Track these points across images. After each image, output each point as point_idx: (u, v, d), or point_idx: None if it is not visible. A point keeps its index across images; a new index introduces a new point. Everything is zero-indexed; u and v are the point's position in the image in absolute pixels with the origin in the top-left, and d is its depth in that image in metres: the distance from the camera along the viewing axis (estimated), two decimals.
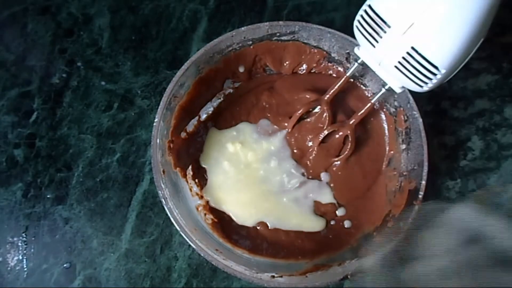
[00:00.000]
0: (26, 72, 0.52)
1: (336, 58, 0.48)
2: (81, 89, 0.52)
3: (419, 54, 0.33)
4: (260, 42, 0.47)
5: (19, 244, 0.47)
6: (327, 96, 0.45)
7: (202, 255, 0.38)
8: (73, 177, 0.49)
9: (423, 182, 0.40)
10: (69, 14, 0.54)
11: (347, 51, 0.47)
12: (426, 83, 0.35)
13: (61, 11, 0.55)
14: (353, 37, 0.38)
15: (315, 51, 0.48)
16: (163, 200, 0.39)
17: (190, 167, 0.46)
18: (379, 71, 0.38)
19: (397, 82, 0.38)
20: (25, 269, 0.46)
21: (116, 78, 0.52)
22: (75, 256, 0.47)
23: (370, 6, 0.35)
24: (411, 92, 0.42)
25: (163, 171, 0.41)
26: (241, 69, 0.49)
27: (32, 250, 0.47)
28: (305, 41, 0.48)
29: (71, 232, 0.47)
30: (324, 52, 0.48)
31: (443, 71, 0.33)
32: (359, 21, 0.36)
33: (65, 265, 0.46)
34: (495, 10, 0.32)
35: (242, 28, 0.44)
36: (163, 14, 0.54)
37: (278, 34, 0.46)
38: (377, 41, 0.35)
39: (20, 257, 0.47)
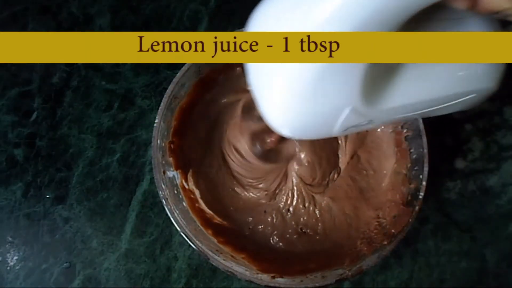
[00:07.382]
0: (26, 71, 0.52)
1: None
2: (81, 89, 0.52)
3: None
4: None
5: (19, 244, 0.47)
6: None
7: (202, 256, 0.38)
8: (73, 177, 0.49)
9: (424, 183, 0.40)
10: (70, 13, 0.54)
11: None
12: None
13: (62, 11, 0.54)
14: None
15: None
16: (163, 200, 0.39)
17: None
18: None
19: None
20: (25, 269, 0.46)
21: (116, 78, 0.52)
22: (75, 256, 0.47)
23: None
24: None
25: (164, 172, 0.41)
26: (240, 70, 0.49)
27: (32, 250, 0.47)
28: None
29: (71, 232, 0.47)
30: None
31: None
32: None
33: (64, 265, 0.46)
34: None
35: (242, 29, 0.44)
36: (164, 14, 0.54)
37: None
38: None
39: (20, 257, 0.47)
